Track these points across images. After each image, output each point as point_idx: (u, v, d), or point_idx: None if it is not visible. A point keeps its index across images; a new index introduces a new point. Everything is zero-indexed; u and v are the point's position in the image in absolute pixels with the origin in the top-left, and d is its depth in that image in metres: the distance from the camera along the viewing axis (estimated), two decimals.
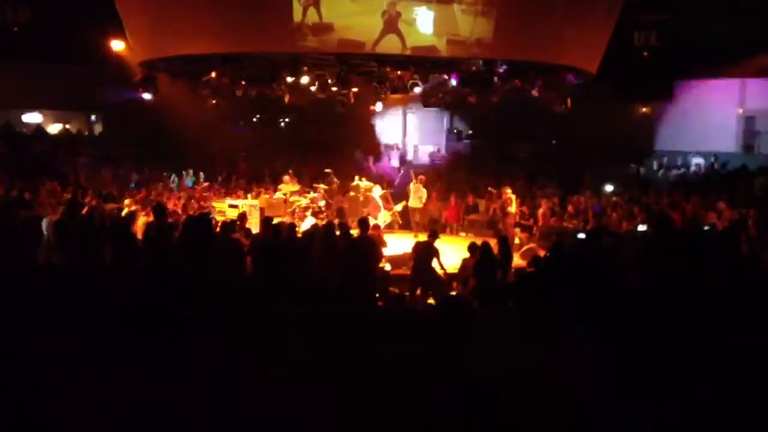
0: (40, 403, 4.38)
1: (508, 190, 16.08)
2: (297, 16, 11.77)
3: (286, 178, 17.45)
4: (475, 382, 4.48)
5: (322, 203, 16.29)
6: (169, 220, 10.61)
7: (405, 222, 17.19)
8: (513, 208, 15.75)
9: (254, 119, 25.98)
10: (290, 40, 12.10)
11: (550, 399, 4.30)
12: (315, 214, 15.62)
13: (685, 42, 17.89)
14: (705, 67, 19.89)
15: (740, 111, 22.52)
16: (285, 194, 16.77)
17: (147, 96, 14.75)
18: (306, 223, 14.42)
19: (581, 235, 11.31)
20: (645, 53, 16.93)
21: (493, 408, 4.24)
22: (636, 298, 7.06)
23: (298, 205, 16.29)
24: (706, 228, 12.29)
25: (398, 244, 13.97)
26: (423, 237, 12.42)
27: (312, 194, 16.67)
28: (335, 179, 17.36)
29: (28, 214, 12.47)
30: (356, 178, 17.10)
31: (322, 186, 17.00)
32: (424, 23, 12.03)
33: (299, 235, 10.96)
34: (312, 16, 11.83)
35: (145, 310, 5.59)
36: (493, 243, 10.55)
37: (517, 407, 4.24)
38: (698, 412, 4.26)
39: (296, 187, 17.16)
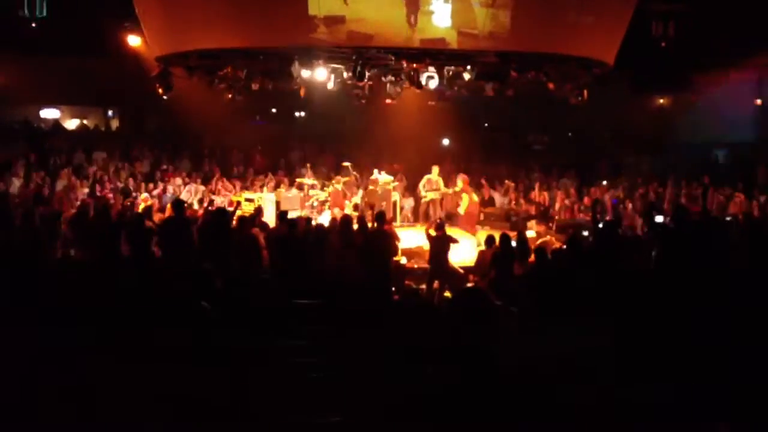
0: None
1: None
2: (312, 9, 11.74)
3: (307, 172, 17.42)
4: (493, 374, 4.47)
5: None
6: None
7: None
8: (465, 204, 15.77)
9: (271, 112, 25.97)
10: (303, 33, 12.08)
11: (568, 390, 4.29)
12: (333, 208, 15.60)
13: (703, 32, 17.71)
14: (723, 58, 19.70)
15: (758, 102, 22.32)
16: (303, 188, 16.77)
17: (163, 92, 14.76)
18: (323, 217, 14.44)
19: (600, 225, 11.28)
20: (663, 44, 16.77)
21: (511, 400, 4.23)
22: (653, 288, 7.02)
23: (316, 198, 16.29)
24: (728, 219, 12.23)
25: (411, 238, 13.99)
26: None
27: (330, 188, 16.65)
28: (354, 173, 17.32)
29: (46, 210, 12.56)
30: (375, 171, 17.06)
31: (341, 179, 16.98)
32: (441, 16, 11.97)
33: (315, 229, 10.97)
34: (326, 8, 11.80)
35: (162, 305, 5.62)
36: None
37: (536, 399, 4.23)
38: (718, 400, 4.24)
39: (314, 181, 17.15)
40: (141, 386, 4.51)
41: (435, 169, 17.13)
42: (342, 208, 15.26)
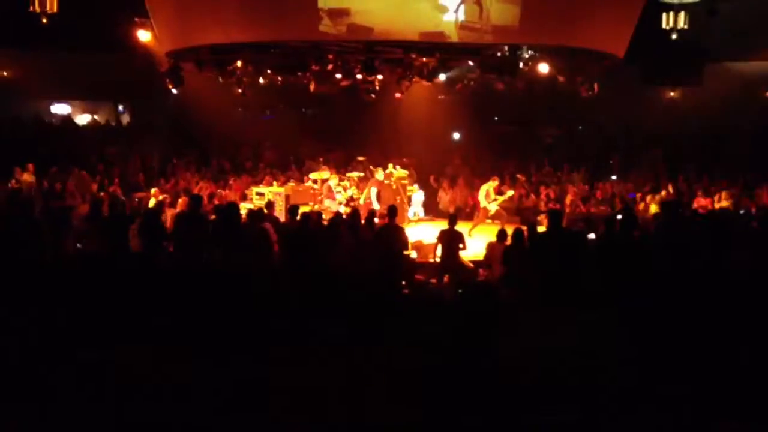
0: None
1: None
2: (321, 1, 11.73)
3: (320, 166, 17.37)
4: (499, 367, 4.48)
5: (354, 191, 16.20)
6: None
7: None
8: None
9: (279, 107, 25.96)
10: (311, 25, 12.05)
11: (572, 383, 4.29)
12: (347, 202, 15.55)
13: (714, 24, 17.60)
14: (733, 50, 19.62)
15: None
16: (317, 182, 16.70)
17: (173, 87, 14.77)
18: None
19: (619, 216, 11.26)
20: (673, 36, 16.67)
21: (515, 392, 4.24)
22: (658, 282, 7.00)
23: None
24: (741, 212, 12.15)
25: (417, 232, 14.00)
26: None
27: (344, 182, 16.59)
28: (370, 167, 17.22)
29: (58, 205, 12.61)
30: (389, 165, 17.00)
31: (355, 174, 16.93)
32: (454, 10, 11.93)
33: (325, 223, 10.97)
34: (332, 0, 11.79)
35: (177, 300, 5.65)
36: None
37: (540, 392, 4.24)
38: (716, 394, 4.23)
39: (327, 175, 17.05)
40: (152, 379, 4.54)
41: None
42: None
